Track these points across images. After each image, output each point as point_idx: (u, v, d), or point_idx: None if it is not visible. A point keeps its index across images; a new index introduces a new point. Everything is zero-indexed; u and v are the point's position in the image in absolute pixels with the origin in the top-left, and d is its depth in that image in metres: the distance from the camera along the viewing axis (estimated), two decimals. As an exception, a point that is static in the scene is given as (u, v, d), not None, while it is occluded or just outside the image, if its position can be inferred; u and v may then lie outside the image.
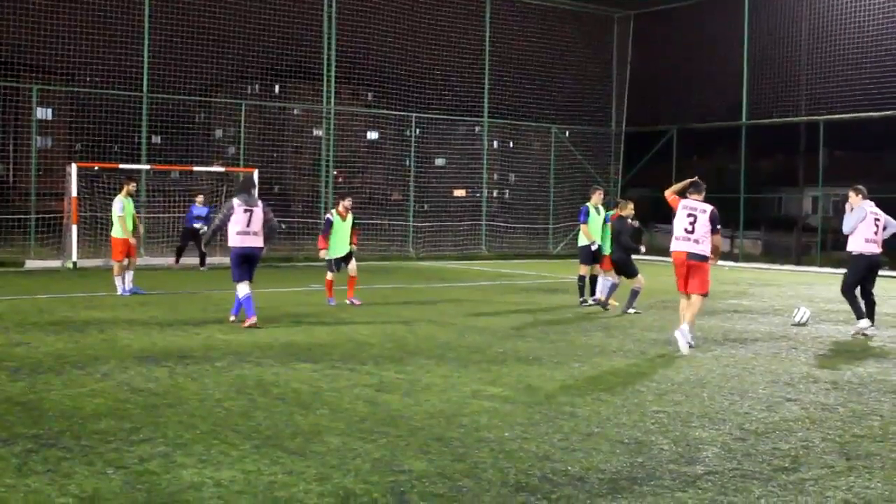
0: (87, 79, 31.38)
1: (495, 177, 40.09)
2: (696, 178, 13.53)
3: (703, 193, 13.37)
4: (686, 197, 13.31)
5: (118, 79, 30.53)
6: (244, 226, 14.37)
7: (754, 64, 35.81)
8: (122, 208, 19.01)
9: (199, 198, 26.95)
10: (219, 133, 37.41)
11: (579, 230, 18.97)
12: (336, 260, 17.64)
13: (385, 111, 36.10)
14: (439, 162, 38.99)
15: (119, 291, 18.87)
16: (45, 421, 7.86)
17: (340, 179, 34.48)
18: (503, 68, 37.48)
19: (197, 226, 25.92)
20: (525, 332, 14.00)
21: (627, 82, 40.72)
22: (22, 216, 28.36)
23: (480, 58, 36.79)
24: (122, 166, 28.67)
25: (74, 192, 25.61)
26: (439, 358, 11.58)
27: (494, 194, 39.97)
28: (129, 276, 19.16)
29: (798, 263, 34.57)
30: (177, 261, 26.51)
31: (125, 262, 18.96)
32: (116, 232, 19.05)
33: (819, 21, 33.73)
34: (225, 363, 10.84)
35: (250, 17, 32.57)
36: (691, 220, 12.97)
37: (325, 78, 33.23)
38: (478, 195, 38.20)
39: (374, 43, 34.74)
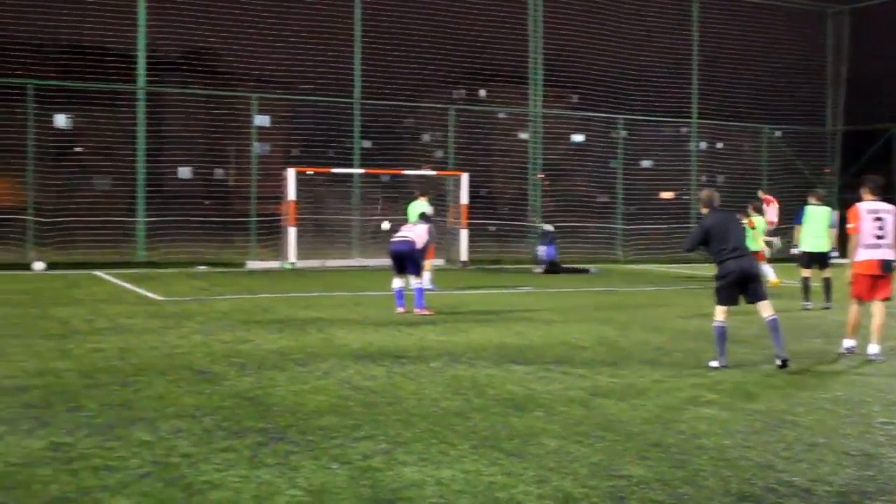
0: (303, 86, 32.47)
1: (703, 178, 39.18)
2: (869, 176, 12.61)
3: (880, 192, 12.37)
4: (862, 199, 12.28)
5: (331, 86, 31.45)
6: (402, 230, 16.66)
7: None
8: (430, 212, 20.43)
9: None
10: (427, 137, 38.01)
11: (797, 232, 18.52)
12: None
13: (592, 113, 35.87)
14: (645, 164, 38.46)
15: (427, 286, 19.52)
16: (271, 416, 8.15)
17: (546, 182, 34.46)
18: (712, 68, 36.61)
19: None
20: (740, 337, 13.60)
21: (845, 79, 39.07)
22: (243, 219, 29.64)
23: (688, 57, 36.07)
24: (335, 170, 29.57)
25: (292, 196, 26.56)
26: (654, 363, 11.41)
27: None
28: (427, 274, 20.07)
29: None
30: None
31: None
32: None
33: None
34: (440, 363, 10.98)
35: (457, 22, 32.96)
36: (879, 225, 12.00)
37: (531, 81, 33.31)
38: (685, 197, 37.48)
39: (579, 45, 34.54)
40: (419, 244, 16.35)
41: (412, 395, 9.12)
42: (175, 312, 15.79)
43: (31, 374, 9.92)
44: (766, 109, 37.87)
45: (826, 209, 18.47)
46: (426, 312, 15.93)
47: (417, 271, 16.32)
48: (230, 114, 31.16)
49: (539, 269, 27.58)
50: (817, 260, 18.29)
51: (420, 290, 16.22)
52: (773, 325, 11.26)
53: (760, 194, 29.25)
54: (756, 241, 19.46)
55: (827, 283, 18.26)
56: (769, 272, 21.43)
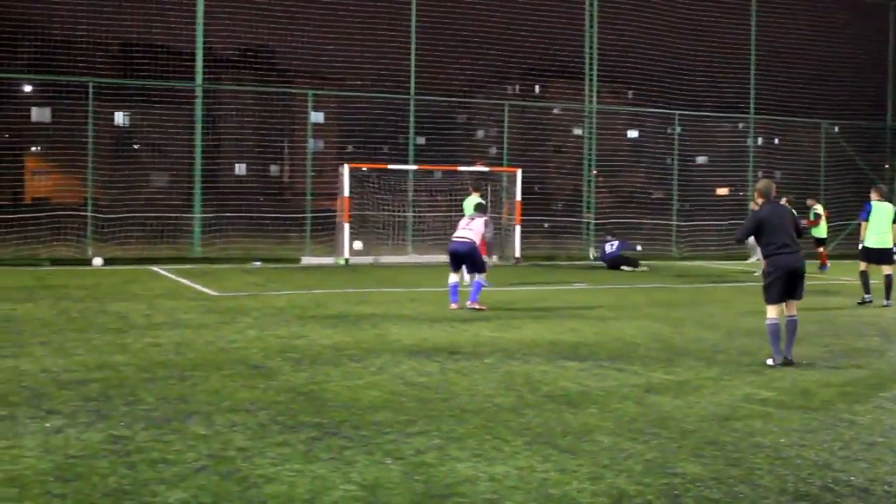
0: (358, 83, 32.62)
1: (760, 175, 38.75)
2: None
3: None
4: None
5: (386, 82, 31.56)
6: (463, 225, 16.61)
7: None
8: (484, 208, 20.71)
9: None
10: (480, 133, 38.00)
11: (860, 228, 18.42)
12: None
13: (647, 109, 35.63)
14: (700, 160, 38.15)
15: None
16: (326, 410, 8.19)
17: (601, 178, 34.31)
18: (770, 62, 36.19)
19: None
20: (798, 334, 13.45)
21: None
22: (297, 214, 29.85)
23: (746, 52, 35.68)
24: (390, 167, 29.67)
25: (347, 192, 26.69)
26: (708, 360, 11.31)
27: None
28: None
29: None
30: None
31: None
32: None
33: None
34: (493, 360, 10.98)
35: (511, 17, 32.91)
36: None
37: (586, 76, 33.17)
38: (741, 194, 37.12)
39: (635, 40, 34.34)
40: (478, 240, 16.38)
41: (465, 391, 9.12)
42: (230, 308, 15.92)
43: (91, 367, 10.06)
44: (824, 104, 37.35)
45: (889, 205, 18.23)
46: (478, 307, 15.97)
47: (478, 269, 16.30)
48: (285, 110, 31.44)
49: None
50: (881, 256, 18.09)
51: (478, 285, 16.21)
52: (793, 326, 11.27)
53: (809, 202, 28.97)
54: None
55: (889, 280, 18.02)
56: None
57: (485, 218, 16.72)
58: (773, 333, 11.11)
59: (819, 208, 28.79)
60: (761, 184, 11.87)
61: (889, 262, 18.13)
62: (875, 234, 18.03)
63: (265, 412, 8.06)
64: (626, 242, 27.84)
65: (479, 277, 16.29)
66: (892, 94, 38.66)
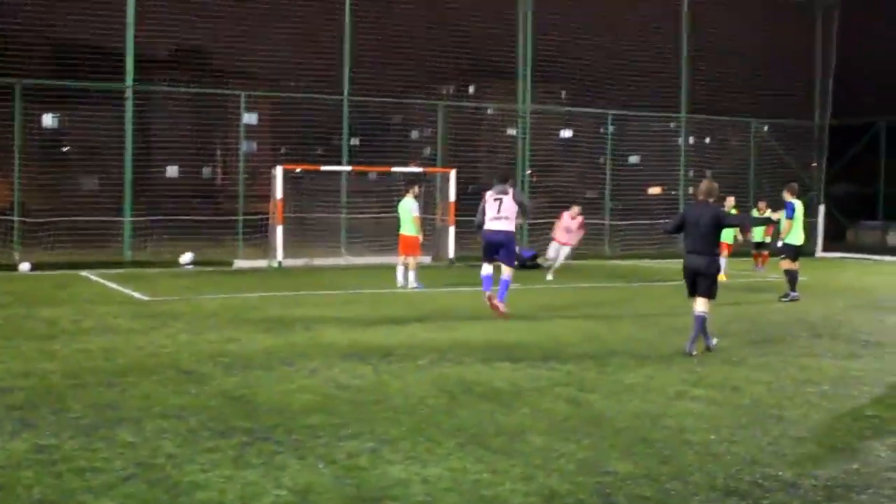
0: (292, 84, 32.40)
1: (691, 174, 39.19)
2: None
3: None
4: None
5: (320, 83, 31.36)
6: (495, 212, 15.37)
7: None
8: (418, 208, 20.79)
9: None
10: (415, 134, 37.93)
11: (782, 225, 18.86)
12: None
13: (580, 109, 35.85)
14: (633, 159, 38.46)
15: (413, 285, 20.38)
16: (257, 415, 8.12)
17: (534, 179, 34.44)
18: (701, 61, 36.60)
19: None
20: (728, 331, 13.62)
21: (832, 74, 39.13)
22: (230, 217, 29.55)
23: (677, 52, 36.07)
24: (324, 168, 29.55)
25: (280, 194, 26.52)
26: (641, 358, 11.42)
27: (691, 191, 39.03)
28: (413, 272, 20.63)
29: None
30: None
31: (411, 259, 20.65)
32: (411, 230, 20.59)
33: None
34: (427, 361, 10.97)
35: (446, 18, 32.90)
36: None
37: (519, 76, 33.29)
38: (673, 192, 37.51)
39: (568, 40, 34.48)
40: (514, 226, 15.55)
41: (399, 393, 9.10)
42: (162, 312, 15.73)
43: (16, 375, 9.87)
44: (754, 104, 37.87)
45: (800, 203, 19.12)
46: (502, 309, 15.26)
47: (511, 261, 15.62)
48: (218, 112, 31.05)
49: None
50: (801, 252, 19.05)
51: (507, 283, 15.48)
52: (699, 322, 11.84)
53: (761, 206, 29.05)
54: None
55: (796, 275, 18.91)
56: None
57: (514, 194, 15.53)
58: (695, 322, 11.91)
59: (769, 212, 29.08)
60: (702, 185, 12.43)
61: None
62: (800, 231, 18.76)
63: (195, 418, 7.97)
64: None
65: (508, 274, 15.53)
66: (819, 93, 39.31)
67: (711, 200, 12.14)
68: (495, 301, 15.29)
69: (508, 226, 15.41)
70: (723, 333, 13.18)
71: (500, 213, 15.37)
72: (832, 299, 19.20)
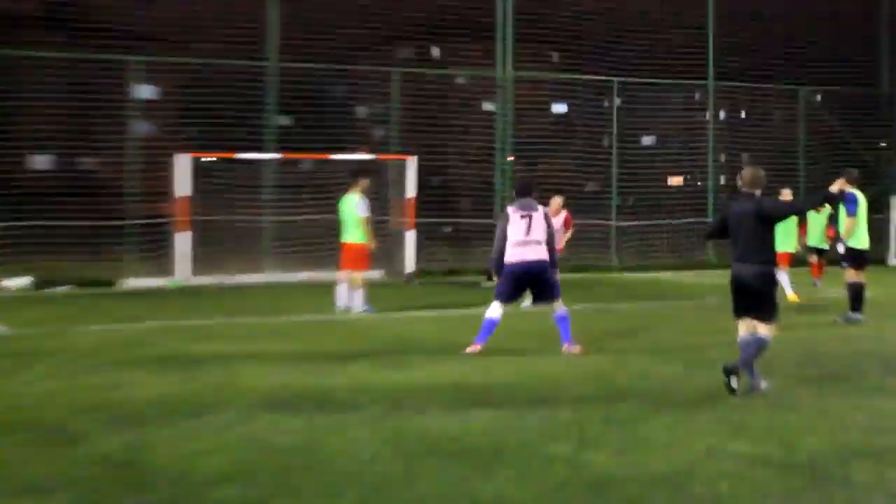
0: (201, 46, 32.30)
1: (723, 158, 39.38)
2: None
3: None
4: None
5: (239, 46, 31.28)
6: (523, 234, 14.92)
7: None
8: (367, 208, 20.36)
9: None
10: (362, 111, 37.92)
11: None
12: None
13: (578, 76, 35.94)
14: (647, 141, 38.65)
15: (361, 308, 20.29)
16: (150, 487, 8.03)
17: (519, 166, 34.44)
18: (733, 15, 36.75)
19: None
20: (774, 366, 13.56)
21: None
22: (115, 222, 29.26)
23: (703, 4, 36.16)
24: (242, 156, 29.40)
25: (184, 191, 26.32)
26: (659, 402, 11.38)
27: (722, 181, 39.20)
28: (360, 292, 20.43)
29: None
30: None
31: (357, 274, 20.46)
32: (357, 237, 20.39)
33: None
34: (378, 411, 10.89)
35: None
36: None
37: (499, 35, 33.29)
38: (700, 183, 37.68)
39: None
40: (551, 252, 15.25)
41: (340, 455, 9.03)
42: (24, 349, 15.62)
43: None
44: (803, 67, 38.01)
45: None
46: (577, 350, 15.04)
47: (557, 292, 15.21)
48: (102, 84, 30.83)
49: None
50: (866, 259, 19.13)
51: (564, 318, 15.20)
52: (756, 345, 11.85)
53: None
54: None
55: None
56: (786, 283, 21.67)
57: (542, 212, 15.30)
58: (741, 349, 11.85)
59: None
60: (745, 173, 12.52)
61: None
62: (864, 231, 18.63)
63: (66, 492, 7.86)
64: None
65: (562, 309, 15.23)
66: (888, 53, 39.51)
67: (758, 193, 12.12)
68: (568, 349, 15.06)
69: (542, 253, 14.99)
70: (767, 369, 13.12)
71: (531, 234, 14.99)
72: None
